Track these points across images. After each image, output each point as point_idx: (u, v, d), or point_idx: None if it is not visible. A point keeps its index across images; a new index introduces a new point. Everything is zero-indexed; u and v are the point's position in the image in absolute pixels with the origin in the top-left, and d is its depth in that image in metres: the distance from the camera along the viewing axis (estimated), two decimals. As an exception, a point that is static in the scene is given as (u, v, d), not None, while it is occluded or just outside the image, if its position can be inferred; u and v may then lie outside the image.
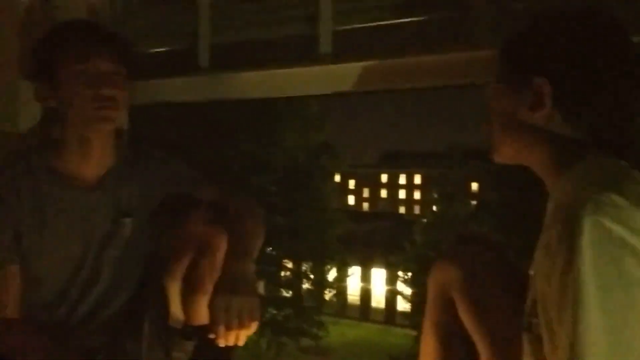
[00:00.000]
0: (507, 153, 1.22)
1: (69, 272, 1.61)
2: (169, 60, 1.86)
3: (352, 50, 1.62)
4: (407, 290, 21.13)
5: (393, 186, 43.36)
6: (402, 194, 42.98)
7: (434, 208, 20.77)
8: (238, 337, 1.40)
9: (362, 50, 1.62)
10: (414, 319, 18.30)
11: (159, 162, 1.72)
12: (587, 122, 1.11)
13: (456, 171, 20.32)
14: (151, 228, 1.70)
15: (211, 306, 1.41)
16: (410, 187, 42.81)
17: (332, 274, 20.82)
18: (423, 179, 40.50)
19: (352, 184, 44.11)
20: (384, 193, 43.94)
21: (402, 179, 43.03)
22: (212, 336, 1.40)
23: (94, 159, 1.61)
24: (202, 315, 1.62)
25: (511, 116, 1.17)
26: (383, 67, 1.54)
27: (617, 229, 0.95)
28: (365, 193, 44.38)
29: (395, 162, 43.27)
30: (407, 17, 1.51)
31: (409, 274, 20.70)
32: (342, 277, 22.75)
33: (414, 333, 17.30)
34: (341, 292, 23.34)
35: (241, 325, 1.39)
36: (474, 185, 25.04)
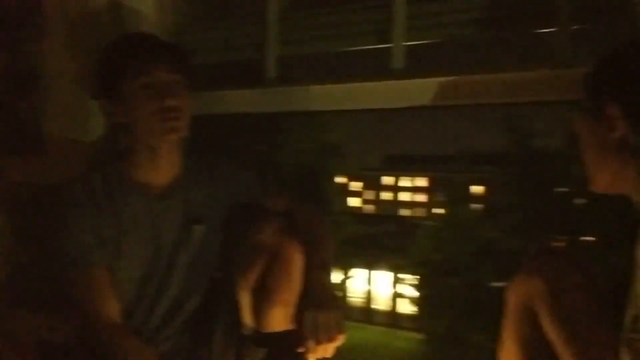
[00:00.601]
0: (603, 181, 1.27)
1: (144, 277, 1.64)
2: (236, 72, 1.89)
3: (424, 65, 1.65)
4: (412, 293, 21.13)
5: (398, 189, 43.41)
6: (406, 196, 43.04)
7: (441, 211, 20.78)
8: (326, 350, 1.44)
9: (434, 65, 1.65)
10: (419, 322, 18.30)
11: (226, 171, 1.75)
12: None
13: (463, 175, 20.37)
14: (222, 236, 1.74)
15: (301, 322, 1.44)
16: (415, 190, 42.85)
17: (337, 277, 20.82)
18: (429, 181, 40.54)
19: (356, 186, 44.21)
20: (388, 195, 44.01)
21: (407, 182, 43.09)
22: (301, 350, 1.44)
23: (162, 168, 1.65)
24: (275, 324, 1.66)
25: (596, 142, 1.23)
26: (454, 83, 1.57)
27: None
28: (370, 195, 44.45)
29: (401, 165, 43.36)
30: (479, 33, 1.55)
31: (414, 276, 20.71)
32: (346, 279, 22.77)
33: (418, 336, 17.30)
34: (346, 295, 23.34)
35: (330, 340, 1.43)
36: (480, 189, 25.09)
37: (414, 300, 20.96)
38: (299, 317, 1.47)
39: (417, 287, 20.09)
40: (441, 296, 14.97)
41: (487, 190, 22.15)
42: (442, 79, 1.58)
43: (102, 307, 1.56)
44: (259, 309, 1.69)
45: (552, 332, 1.35)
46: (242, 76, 1.88)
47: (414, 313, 20.39)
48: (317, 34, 1.79)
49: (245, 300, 1.70)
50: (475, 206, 20.53)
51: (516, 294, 1.42)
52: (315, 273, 1.52)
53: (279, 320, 1.67)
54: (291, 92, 1.81)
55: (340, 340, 1.45)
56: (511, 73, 1.51)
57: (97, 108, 1.67)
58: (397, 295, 25.00)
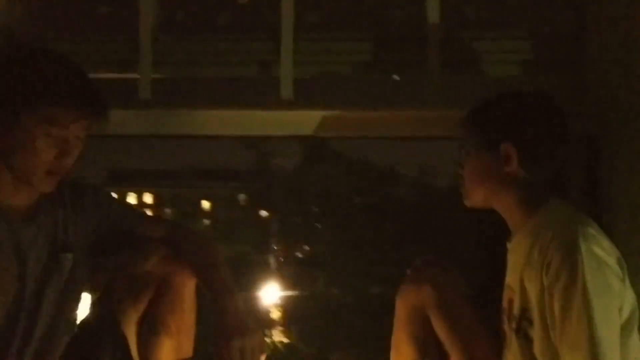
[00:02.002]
0: (477, 199, 1.54)
1: (9, 315, 1.46)
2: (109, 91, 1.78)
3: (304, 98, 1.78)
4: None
5: (119, 205, 41.65)
6: (129, 213, 41.49)
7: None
8: None
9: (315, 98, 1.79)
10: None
11: (94, 197, 1.64)
12: (542, 175, 1.48)
13: (191, 190, 20.60)
14: (93, 267, 1.63)
15: (226, 350, 1.42)
16: (140, 206, 41.72)
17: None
18: (155, 198, 39.84)
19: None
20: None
21: (132, 198, 41.72)
22: None
23: (24, 190, 1.49)
24: (166, 357, 1.61)
25: (484, 169, 1.51)
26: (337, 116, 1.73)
27: (600, 252, 1.32)
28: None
29: (124, 181, 41.86)
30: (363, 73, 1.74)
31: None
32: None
33: None
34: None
35: None
36: (208, 204, 25.56)
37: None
38: (217, 345, 1.45)
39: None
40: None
41: (214, 206, 22.69)
42: (328, 112, 1.73)
43: None
44: (149, 342, 1.63)
45: (442, 332, 1.60)
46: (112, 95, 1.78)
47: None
48: (194, 58, 1.79)
49: (132, 334, 1.62)
50: (205, 221, 20.91)
51: (407, 300, 1.63)
52: (224, 299, 1.52)
53: (171, 352, 1.63)
54: (166, 115, 1.78)
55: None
56: (388, 111, 1.73)
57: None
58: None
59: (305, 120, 1.73)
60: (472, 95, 1.53)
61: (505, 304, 1.53)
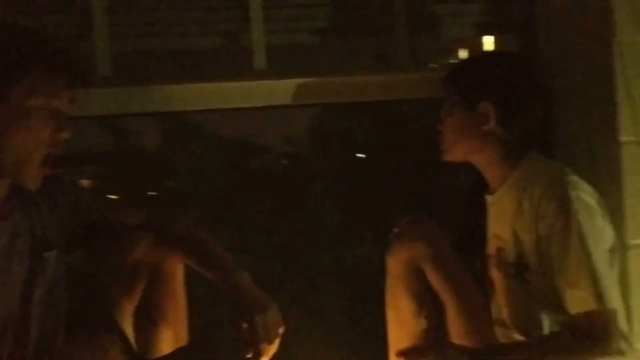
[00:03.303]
0: (456, 154, 1.64)
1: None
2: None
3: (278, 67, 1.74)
4: None
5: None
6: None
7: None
8: (275, 347, 1.43)
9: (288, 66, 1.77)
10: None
11: (61, 186, 1.51)
12: (519, 131, 1.60)
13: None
14: (76, 261, 1.51)
15: (250, 327, 1.38)
16: None
17: None
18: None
19: None
20: None
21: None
22: (250, 355, 1.38)
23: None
24: (166, 346, 1.55)
25: (463, 127, 1.60)
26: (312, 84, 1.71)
27: (587, 198, 1.47)
28: None
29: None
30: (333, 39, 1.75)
31: None
32: None
33: None
34: None
35: (277, 336, 1.42)
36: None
37: None
38: (237, 323, 1.41)
39: None
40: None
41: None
42: (301, 80, 1.71)
43: None
44: (148, 333, 1.55)
45: (438, 283, 1.68)
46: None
47: None
48: (154, 30, 1.67)
49: (128, 327, 1.53)
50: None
51: (401, 257, 1.70)
52: (234, 276, 1.47)
53: (170, 341, 1.57)
54: (129, 92, 1.65)
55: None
56: (360, 76, 1.75)
57: None
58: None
59: (279, 90, 1.70)
60: (434, 58, 1.60)
61: (492, 252, 1.65)
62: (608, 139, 1.66)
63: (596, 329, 1.38)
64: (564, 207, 1.43)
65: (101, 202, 1.60)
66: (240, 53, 1.68)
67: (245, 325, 1.39)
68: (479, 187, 1.70)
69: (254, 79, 1.69)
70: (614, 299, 1.40)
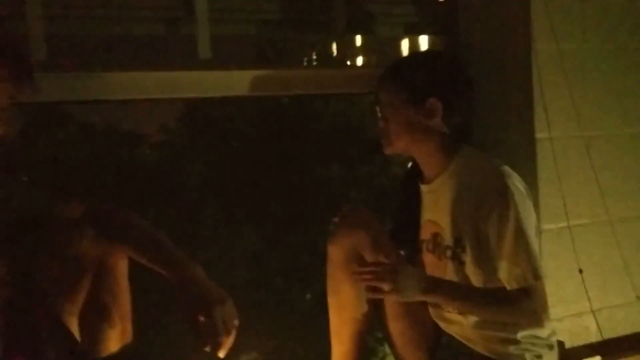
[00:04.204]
0: (400, 146, 1.73)
1: None
2: None
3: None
4: None
5: None
6: None
7: None
8: (231, 339, 1.41)
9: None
10: None
11: None
12: (456, 125, 1.73)
13: None
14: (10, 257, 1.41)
15: (208, 320, 1.35)
16: None
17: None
18: None
19: None
20: None
21: None
22: (208, 349, 1.36)
23: None
24: (113, 344, 1.50)
25: (409, 121, 1.70)
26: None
27: (520, 185, 1.63)
28: None
29: None
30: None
31: None
32: None
33: None
34: None
35: (234, 328, 1.40)
36: None
37: None
38: (193, 318, 1.38)
39: None
40: None
41: None
42: (250, 71, 1.71)
43: None
44: (95, 332, 1.49)
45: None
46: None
47: None
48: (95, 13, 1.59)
49: (74, 326, 1.46)
50: None
51: (343, 244, 1.76)
52: (187, 270, 1.43)
53: (118, 337, 1.52)
54: (64, 79, 1.56)
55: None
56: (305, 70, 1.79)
57: None
58: None
59: (223, 81, 1.70)
60: (369, 55, 1.69)
61: (426, 236, 1.77)
62: (525, 136, 1.85)
63: (530, 301, 1.55)
64: (502, 193, 1.57)
65: (36, 193, 1.51)
66: (184, 41, 1.65)
67: (202, 318, 1.37)
68: (412, 177, 1.81)
69: (198, 68, 1.67)
70: (543, 275, 1.57)
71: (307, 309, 6.43)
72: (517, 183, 1.62)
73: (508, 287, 1.57)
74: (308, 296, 6.56)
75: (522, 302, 1.56)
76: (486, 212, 1.59)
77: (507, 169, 1.64)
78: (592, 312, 1.95)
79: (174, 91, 1.68)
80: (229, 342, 1.39)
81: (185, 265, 1.41)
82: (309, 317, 6.19)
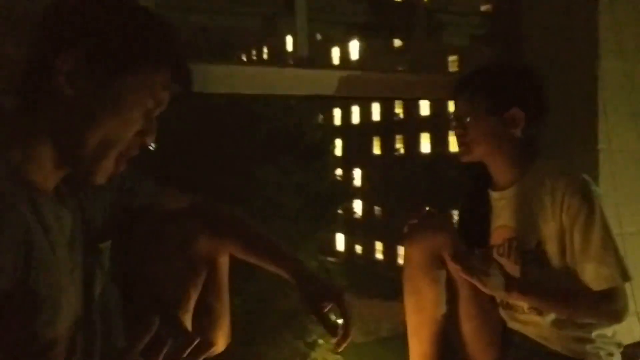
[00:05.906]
0: (478, 154, 1.80)
1: (71, 329, 1.13)
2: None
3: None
4: None
5: None
6: None
7: None
8: None
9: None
10: None
11: None
12: (532, 134, 1.81)
13: None
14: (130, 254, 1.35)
15: (342, 308, 1.35)
16: None
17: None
18: None
19: None
20: None
21: None
22: (335, 340, 1.36)
23: (57, 174, 1.16)
24: (220, 346, 1.47)
25: (489, 130, 1.76)
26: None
27: (598, 190, 1.72)
28: None
29: None
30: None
31: None
32: None
33: None
34: None
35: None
36: None
37: None
38: (319, 310, 1.37)
39: None
40: None
41: None
42: (342, 72, 1.72)
43: None
44: (206, 333, 1.43)
45: (457, 272, 1.81)
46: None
47: None
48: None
49: (189, 324, 1.42)
50: None
51: (424, 246, 1.79)
52: (301, 266, 1.42)
53: (223, 338, 1.49)
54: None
55: None
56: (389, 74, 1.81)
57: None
58: None
59: (316, 80, 1.70)
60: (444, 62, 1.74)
61: (499, 241, 1.83)
62: (587, 147, 1.95)
63: (616, 302, 1.65)
64: (588, 199, 1.67)
65: (145, 182, 1.44)
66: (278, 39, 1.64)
67: (325, 310, 1.37)
68: (481, 184, 1.87)
69: (293, 66, 1.67)
70: (631, 276, 1.67)
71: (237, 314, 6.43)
72: (596, 189, 1.72)
73: (596, 289, 1.66)
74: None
75: (609, 303, 1.65)
76: (572, 216, 1.68)
77: (585, 175, 1.73)
78: (637, 313, 2.06)
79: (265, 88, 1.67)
80: (351, 332, 1.40)
81: (297, 259, 1.41)
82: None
